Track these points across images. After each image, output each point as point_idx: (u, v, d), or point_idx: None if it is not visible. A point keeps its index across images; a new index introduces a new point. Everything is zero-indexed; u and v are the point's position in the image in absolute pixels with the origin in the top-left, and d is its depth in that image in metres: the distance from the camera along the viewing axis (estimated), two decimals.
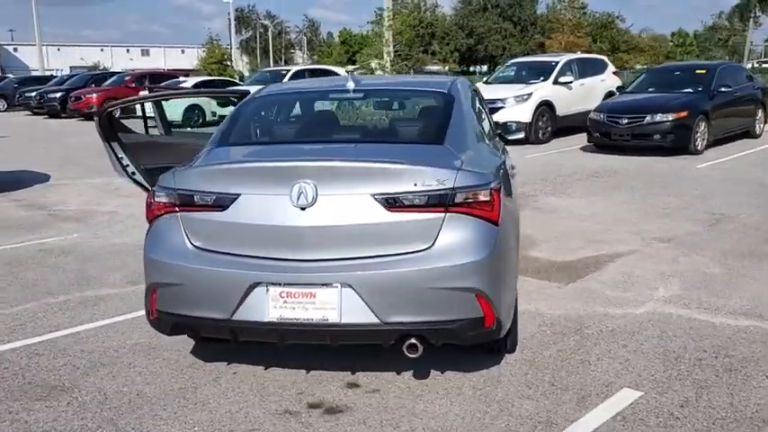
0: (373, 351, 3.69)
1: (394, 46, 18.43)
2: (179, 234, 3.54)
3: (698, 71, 13.73)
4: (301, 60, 71.29)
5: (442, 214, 3.32)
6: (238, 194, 3.40)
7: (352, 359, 3.97)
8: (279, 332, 3.40)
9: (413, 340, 3.34)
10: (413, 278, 3.28)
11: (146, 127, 6.16)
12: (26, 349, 4.43)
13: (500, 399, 3.58)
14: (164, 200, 3.61)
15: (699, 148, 12.44)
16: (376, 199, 3.30)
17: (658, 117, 12.15)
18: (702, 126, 12.49)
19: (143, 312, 4.55)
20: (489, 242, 3.38)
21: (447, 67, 45.07)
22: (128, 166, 5.26)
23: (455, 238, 3.33)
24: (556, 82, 14.87)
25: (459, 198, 3.33)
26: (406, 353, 3.38)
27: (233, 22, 53.56)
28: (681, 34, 49.57)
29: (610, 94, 15.76)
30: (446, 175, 3.35)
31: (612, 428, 3.27)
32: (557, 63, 15.23)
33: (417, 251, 3.33)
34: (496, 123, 5.12)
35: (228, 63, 39.47)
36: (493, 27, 51.48)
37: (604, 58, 17.69)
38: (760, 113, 14.54)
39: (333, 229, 3.33)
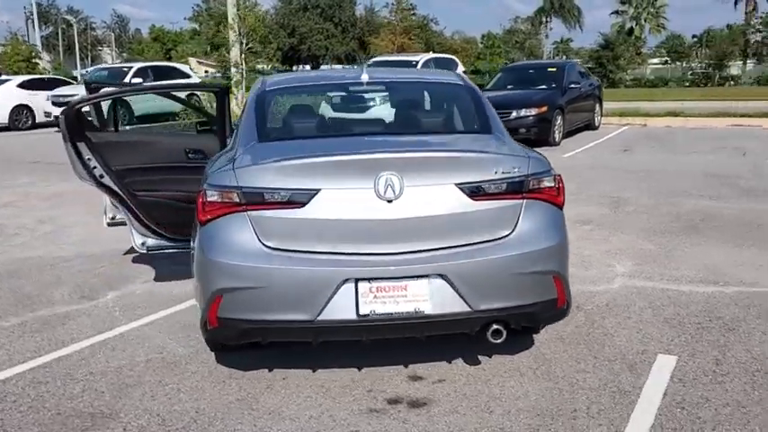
0: (409, 342, 3.69)
1: (247, 43, 17.99)
2: (249, 234, 3.34)
3: (549, 69, 14.92)
4: (110, 59, 66.97)
5: (521, 201, 3.44)
6: (318, 190, 3.28)
7: (396, 353, 3.94)
8: (367, 329, 3.33)
9: (497, 326, 3.42)
10: (500, 265, 3.36)
11: (116, 124, 5.62)
12: (21, 378, 3.92)
13: (562, 375, 3.76)
14: (225, 199, 3.38)
15: (557, 140, 13.53)
16: (460, 188, 3.34)
17: (523, 112, 13.06)
18: (559, 120, 13.60)
19: (127, 327, 4.31)
20: (560, 226, 3.55)
21: (270, 66, 44.65)
22: (95, 168, 4.79)
23: (533, 223, 3.47)
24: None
25: (533, 184, 3.47)
26: (491, 339, 3.46)
27: (36, 16, 49.06)
28: (490, 37, 53.19)
29: None
30: (521, 162, 3.48)
31: (678, 390, 3.57)
32: (417, 62, 15.77)
33: (500, 238, 3.42)
34: None
35: (38, 61, 36.14)
36: (314, 27, 51.85)
37: (454, 57, 18.58)
38: (598, 108, 16.11)
39: (420, 221, 3.32)
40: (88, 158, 4.78)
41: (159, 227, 4.93)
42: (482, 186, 3.37)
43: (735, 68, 43.00)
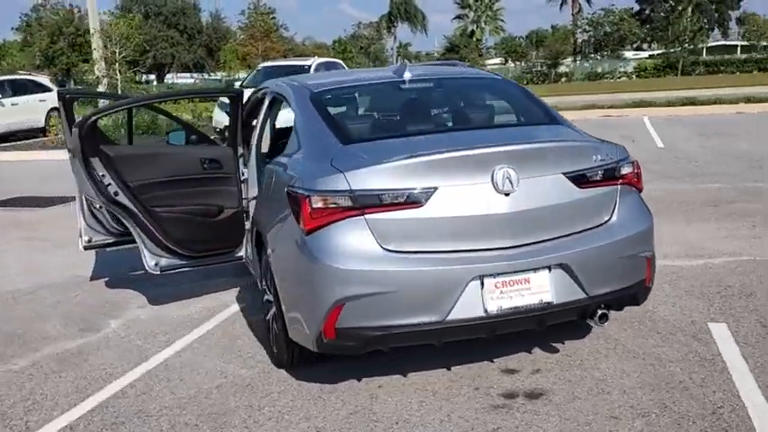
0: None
1: (120, 52, 16.83)
2: (368, 238, 3.20)
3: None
4: None
5: (616, 186, 3.57)
6: (436, 188, 3.21)
7: (474, 350, 3.92)
8: (494, 325, 3.31)
9: (604, 309, 3.52)
10: (610, 250, 3.46)
11: (130, 136, 5.07)
12: (89, 422, 3.53)
13: (642, 352, 3.93)
14: (337, 204, 3.22)
15: None
16: (567, 177, 3.41)
17: None
18: None
19: (164, 356, 4.20)
20: (646, 209, 3.72)
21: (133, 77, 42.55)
22: (109, 185, 4.36)
23: (627, 207, 3.61)
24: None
25: (623, 170, 3.61)
26: (597, 323, 3.54)
27: None
28: (341, 42, 53.80)
29: None
30: (612, 149, 3.61)
31: (746, 352, 3.85)
32: (309, 66, 15.62)
33: (602, 224, 3.53)
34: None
35: None
36: (158, 35, 49.81)
37: (341, 61, 18.60)
38: None
39: (535, 212, 3.35)
40: (102, 175, 4.35)
41: (177, 245, 4.57)
42: (586, 174, 3.46)
43: (563, 66, 46.27)
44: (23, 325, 4.97)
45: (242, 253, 4.84)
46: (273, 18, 36.99)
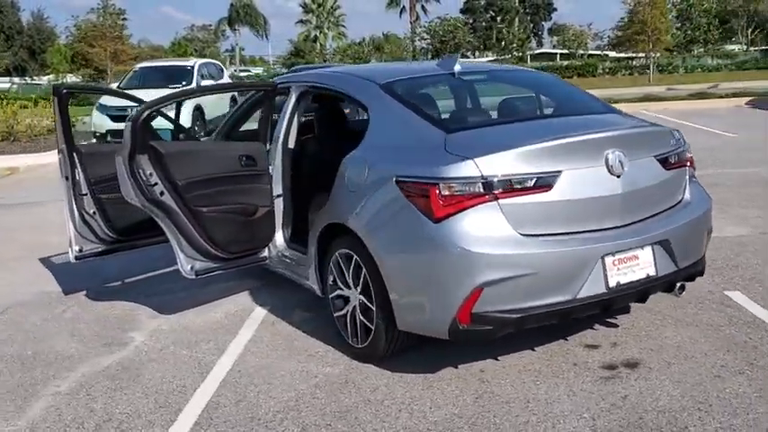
0: None
1: None
2: (502, 223, 3.28)
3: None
4: None
5: (686, 168, 3.91)
6: (560, 171, 3.36)
7: (536, 331, 4.02)
8: (612, 300, 3.50)
9: (684, 281, 3.84)
10: (693, 226, 3.80)
11: (177, 132, 4.58)
12: None
13: (696, 320, 4.29)
14: (469, 190, 3.26)
15: None
16: (657, 159, 3.69)
17: None
18: None
19: (228, 363, 4.03)
20: (703, 188, 4.10)
21: None
22: (155, 185, 4.05)
23: (694, 187, 3.98)
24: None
25: (688, 153, 3.96)
26: (677, 294, 3.84)
27: None
28: (180, 44, 51.85)
29: (234, 99, 16.29)
30: (678, 135, 3.95)
31: None
32: (192, 67, 15.04)
33: (679, 202, 3.85)
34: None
35: None
36: None
37: (219, 63, 18.01)
38: None
39: (638, 192, 3.59)
40: (150, 174, 4.01)
41: (216, 246, 4.33)
42: (668, 157, 3.76)
43: None
44: (27, 346, 4.46)
45: (265, 254, 4.67)
46: (125, 19, 34.93)
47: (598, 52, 54.10)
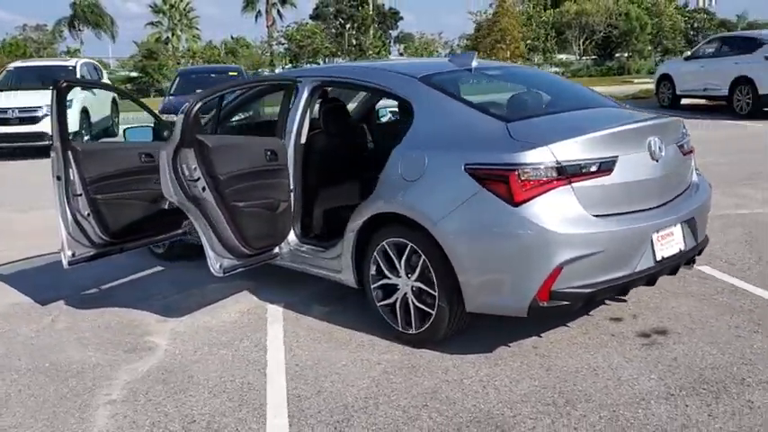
0: None
1: None
2: (575, 205, 3.54)
3: (231, 73, 15.04)
4: None
5: (693, 154, 4.38)
6: (617, 156, 3.68)
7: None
8: (656, 272, 3.86)
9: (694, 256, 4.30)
10: (706, 205, 4.27)
11: (217, 126, 4.29)
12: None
13: (689, 290, 4.80)
14: (546, 175, 3.50)
15: None
16: (677, 146, 4.12)
17: None
18: None
19: (280, 360, 3.99)
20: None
21: None
22: (197, 180, 3.94)
23: (696, 173, 4.45)
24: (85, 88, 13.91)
25: (691, 142, 4.44)
26: (686, 267, 4.29)
27: None
28: (18, 44, 47.98)
29: (114, 101, 15.57)
30: (684, 125, 4.41)
31: (744, 276, 4.96)
32: (74, 67, 14.17)
33: (691, 185, 4.31)
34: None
35: None
36: None
37: (97, 62, 16.97)
38: None
39: (669, 175, 4.00)
40: (194, 168, 3.88)
41: (245, 242, 4.26)
42: (684, 144, 4.20)
43: None
44: (37, 358, 4.15)
45: (277, 250, 4.64)
46: None
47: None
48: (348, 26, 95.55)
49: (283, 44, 54.24)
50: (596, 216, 3.59)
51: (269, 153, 4.38)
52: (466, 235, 3.66)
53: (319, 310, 4.70)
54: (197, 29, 52.99)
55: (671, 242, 3.91)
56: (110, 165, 4.81)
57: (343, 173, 4.93)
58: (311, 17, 79.82)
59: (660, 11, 60.55)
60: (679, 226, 3.97)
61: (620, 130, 3.78)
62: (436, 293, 3.82)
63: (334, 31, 69.43)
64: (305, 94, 4.66)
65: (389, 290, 4.12)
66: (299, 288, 5.05)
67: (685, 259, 4.14)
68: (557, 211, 3.50)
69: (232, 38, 65.47)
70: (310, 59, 52.60)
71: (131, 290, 5.38)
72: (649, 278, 3.85)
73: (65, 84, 4.45)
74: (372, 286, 4.19)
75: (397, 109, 6.67)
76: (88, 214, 4.68)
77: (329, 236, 4.62)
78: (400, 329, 4.08)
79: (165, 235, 5.23)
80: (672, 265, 3.97)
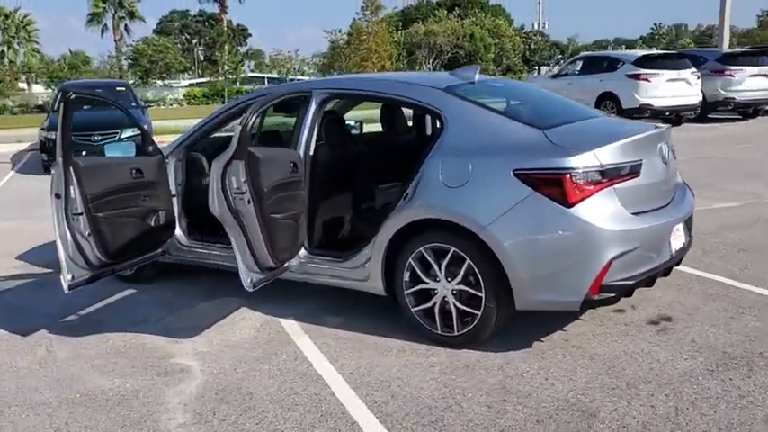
0: None
1: None
2: (617, 204, 3.87)
3: (118, 88, 14.29)
4: None
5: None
6: (642, 160, 4.06)
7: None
8: (671, 263, 4.27)
9: None
10: (692, 205, 4.76)
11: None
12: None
13: (677, 283, 5.29)
14: (594, 178, 3.80)
15: None
16: (671, 151, 4.59)
17: (129, 132, 12.50)
18: None
19: (344, 371, 3.92)
20: None
21: None
22: (244, 193, 3.87)
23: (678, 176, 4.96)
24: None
25: None
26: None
27: None
28: None
29: None
30: None
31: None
32: None
33: (678, 186, 4.79)
34: None
35: None
36: None
37: None
38: None
39: (671, 177, 4.45)
40: (243, 180, 3.79)
41: (275, 255, 4.22)
42: (673, 150, 4.68)
43: None
44: (59, 390, 3.86)
45: (295, 261, 4.64)
46: None
47: (307, 78, 56.79)
48: (195, 41, 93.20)
49: (132, 59, 52.00)
50: (634, 214, 3.93)
51: (292, 164, 4.37)
52: (519, 237, 3.86)
53: (335, 321, 4.71)
54: (36, 42, 49.56)
55: (679, 237, 4.34)
56: (108, 181, 4.55)
57: (350, 183, 4.99)
58: (155, 31, 77.30)
59: (501, 32, 64.59)
60: (681, 224, 4.41)
61: (643, 137, 4.16)
62: (483, 294, 3.99)
63: (180, 46, 67.57)
64: (312, 106, 4.68)
65: (425, 294, 4.24)
66: (296, 301, 5.03)
67: (684, 254, 4.59)
68: (604, 211, 3.80)
69: (71, 52, 61.96)
70: (162, 75, 50.88)
71: (115, 314, 5.09)
72: (666, 270, 4.25)
73: (73, 95, 4.18)
74: (406, 292, 4.28)
75: (356, 123, 6.83)
76: (89, 234, 4.40)
77: (345, 245, 4.66)
78: (439, 332, 4.21)
79: (149, 254, 5.02)
80: (679, 259, 4.40)
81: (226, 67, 50.14)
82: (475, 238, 3.95)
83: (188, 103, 42.83)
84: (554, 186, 3.77)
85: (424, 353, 4.14)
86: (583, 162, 3.79)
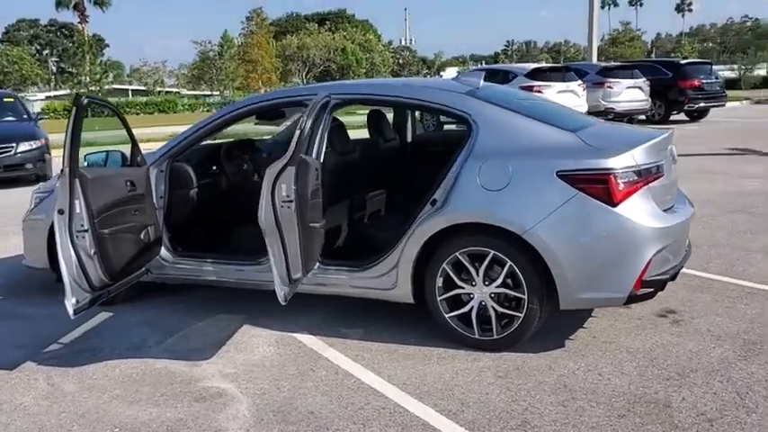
0: None
1: None
2: (652, 202, 4.03)
3: (6, 99, 13.12)
4: None
5: None
6: (662, 161, 4.26)
7: None
8: (684, 262, 4.50)
9: None
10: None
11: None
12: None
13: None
14: (633, 178, 3.95)
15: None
16: (670, 154, 4.85)
17: (26, 146, 11.56)
18: None
19: (395, 384, 3.80)
20: None
21: None
22: (291, 201, 3.69)
23: None
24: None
25: None
26: None
27: None
28: None
29: None
30: None
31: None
32: None
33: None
34: None
35: None
36: None
37: None
38: None
39: (676, 177, 4.68)
40: (293, 188, 3.59)
41: (305, 266, 4.04)
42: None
43: None
44: (97, 424, 3.49)
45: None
46: None
47: (174, 90, 54.95)
48: (46, 52, 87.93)
49: None
50: (664, 211, 4.11)
51: (316, 171, 4.20)
52: (565, 237, 3.92)
53: (355, 332, 4.57)
54: None
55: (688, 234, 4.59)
56: (109, 194, 4.19)
57: (356, 190, 4.87)
58: (1, 41, 72.03)
59: (371, 47, 65.69)
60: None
61: (661, 140, 4.35)
62: (525, 296, 4.01)
63: (31, 57, 63.33)
64: (324, 113, 4.54)
65: (458, 300, 4.20)
66: (299, 315, 4.81)
67: (690, 251, 4.82)
68: (644, 209, 3.95)
69: None
70: (19, 87, 47.40)
71: (105, 340, 4.65)
72: (682, 265, 4.47)
73: (86, 100, 3.78)
74: (439, 299, 4.23)
75: None
76: (94, 253, 4.01)
77: (360, 254, 4.53)
78: (477, 336, 4.18)
79: (137, 273, 4.66)
80: (688, 254, 4.64)
81: (88, 79, 47.47)
82: (518, 240, 3.96)
83: (47, 117, 40.14)
84: (600, 186, 3.87)
85: (466, 358, 4.09)
86: (623, 162, 3.92)
